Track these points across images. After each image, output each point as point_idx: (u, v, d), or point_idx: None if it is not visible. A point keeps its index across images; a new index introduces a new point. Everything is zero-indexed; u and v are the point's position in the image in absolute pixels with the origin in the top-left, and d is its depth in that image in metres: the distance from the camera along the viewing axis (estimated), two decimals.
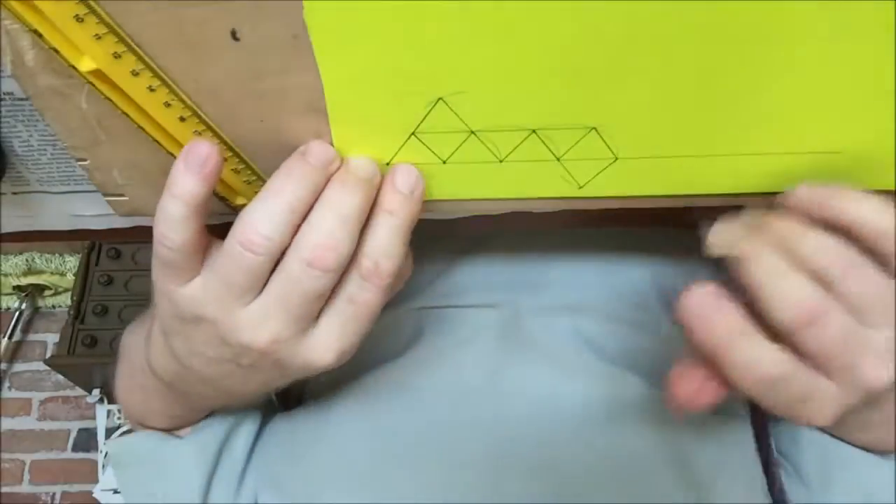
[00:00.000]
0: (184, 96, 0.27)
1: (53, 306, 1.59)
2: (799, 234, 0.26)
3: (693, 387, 0.28)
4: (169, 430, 0.43)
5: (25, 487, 1.44)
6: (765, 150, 0.29)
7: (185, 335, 0.30)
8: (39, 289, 1.53)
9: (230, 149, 0.30)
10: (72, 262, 1.46)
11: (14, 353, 1.55)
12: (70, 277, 1.46)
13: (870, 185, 0.30)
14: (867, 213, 0.26)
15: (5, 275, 1.46)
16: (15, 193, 0.35)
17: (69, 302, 1.32)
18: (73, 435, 1.48)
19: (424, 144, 0.29)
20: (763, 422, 0.43)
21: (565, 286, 0.46)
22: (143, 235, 0.35)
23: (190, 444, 0.42)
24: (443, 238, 0.48)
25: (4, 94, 0.29)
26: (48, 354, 1.53)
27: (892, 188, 0.30)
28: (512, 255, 0.48)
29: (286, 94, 0.27)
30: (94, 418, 1.46)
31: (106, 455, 1.42)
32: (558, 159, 0.30)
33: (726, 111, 0.28)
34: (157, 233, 0.27)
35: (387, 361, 0.44)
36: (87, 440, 1.47)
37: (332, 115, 0.28)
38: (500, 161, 0.30)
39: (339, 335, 0.29)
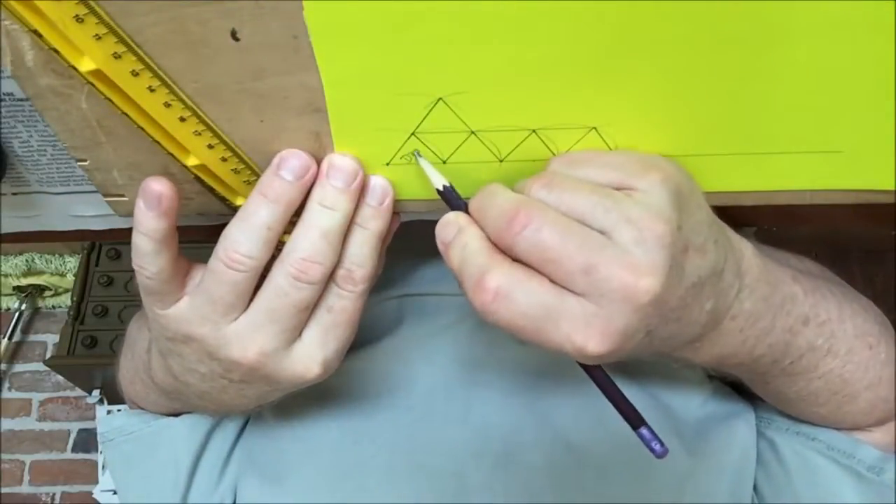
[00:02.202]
0: (184, 96, 0.27)
1: (53, 307, 1.59)
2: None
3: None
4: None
5: (25, 488, 1.45)
6: (764, 149, 0.29)
7: (177, 354, 0.31)
8: (39, 289, 1.53)
9: (230, 149, 0.30)
10: (72, 262, 1.46)
11: (14, 353, 1.55)
12: (70, 278, 1.46)
13: (870, 185, 0.30)
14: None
15: (5, 275, 1.46)
16: (15, 194, 0.35)
17: (69, 302, 1.32)
18: (73, 435, 1.48)
19: (424, 144, 0.29)
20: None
21: None
22: None
23: (183, 422, 0.43)
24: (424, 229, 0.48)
25: (4, 94, 0.29)
26: (48, 355, 1.54)
27: (892, 188, 0.30)
28: None
29: (286, 94, 0.27)
30: (94, 419, 1.47)
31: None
32: None
33: (726, 111, 0.28)
34: (134, 264, 0.29)
35: (367, 349, 0.44)
36: (87, 441, 1.47)
37: (332, 115, 0.28)
38: (501, 161, 0.30)
39: (321, 343, 0.30)
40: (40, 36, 0.24)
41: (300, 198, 0.29)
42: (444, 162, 0.30)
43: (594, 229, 0.25)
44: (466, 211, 0.28)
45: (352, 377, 0.43)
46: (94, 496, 1.34)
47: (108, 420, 0.45)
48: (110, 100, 0.26)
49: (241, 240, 0.28)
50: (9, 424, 1.49)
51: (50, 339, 1.56)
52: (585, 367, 0.27)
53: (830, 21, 0.24)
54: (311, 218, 0.28)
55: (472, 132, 0.29)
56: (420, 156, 0.30)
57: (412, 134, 0.29)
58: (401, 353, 0.44)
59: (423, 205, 0.33)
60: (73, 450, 1.47)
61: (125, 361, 0.44)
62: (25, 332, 1.57)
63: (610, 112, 0.28)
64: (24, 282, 1.49)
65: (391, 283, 0.48)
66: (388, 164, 0.30)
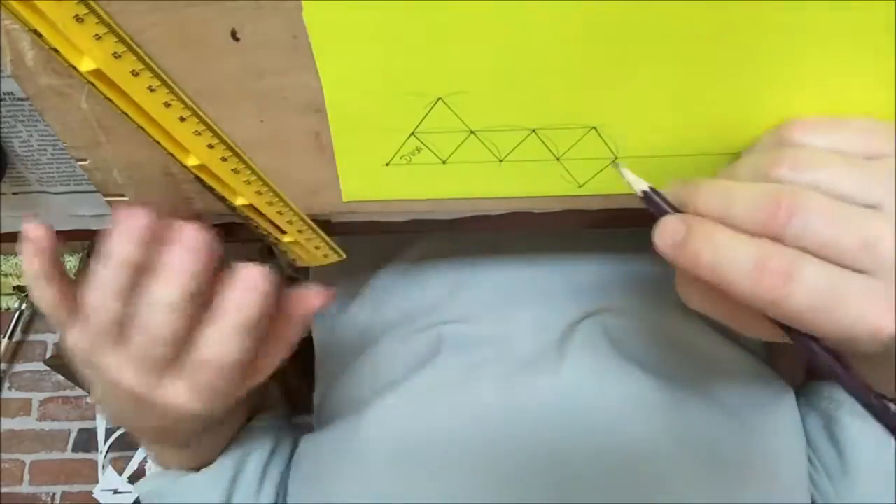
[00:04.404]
0: (184, 96, 0.27)
1: None
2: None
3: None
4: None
5: (25, 488, 1.45)
6: None
7: (91, 379, 0.33)
8: None
9: (230, 149, 0.30)
10: (72, 262, 1.46)
11: (14, 353, 1.55)
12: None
13: None
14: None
15: (5, 275, 1.46)
16: (15, 193, 0.35)
17: None
18: (73, 435, 1.48)
19: (424, 144, 0.29)
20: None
21: (584, 289, 0.46)
22: None
23: (202, 476, 0.43)
24: (447, 249, 0.47)
25: (4, 94, 0.29)
26: (48, 354, 1.54)
27: None
28: (525, 259, 0.47)
29: (286, 94, 0.27)
30: (94, 418, 1.47)
31: (106, 455, 1.42)
32: (558, 159, 0.30)
33: (725, 110, 0.28)
34: (31, 294, 0.31)
35: (404, 381, 0.44)
36: (87, 440, 1.47)
37: (331, 115, 0.28)
38: (500, 161, 0.30)
39: (190, 385, 0.31)
40: (40, 36, 0.24)
41: (153, 245, 0.28)
42: (444, 162, 0.30)
43: (861, 205, 0.23)
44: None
45: (395, 410, 0.42)
46: (94, 496, 1.34)
47: (139, 486, 0.45)
48: (110, 100, 0.26)
49: (97, 292, 0.29)
50: (9, 424, 1.49)
51: (50, 338, 1.56)
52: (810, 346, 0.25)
53: (830, 21, 0.24)
54: (153, 296, 0.29)
55: (472, 132, 0.29)
56: (620, 165, 0.28)
57: (412, 134, 0.29)
58: (441, 382, 0.43)
59: (423, 205, 0.33)
60: (73, 450, 1.47)
61: None
62: (25, 331, 1.57)
63: (610, 112, 0.28)
64: (25, 281, 1.49)
65: (425, 312, 0.47)
66: (387, 164, 0.30)
